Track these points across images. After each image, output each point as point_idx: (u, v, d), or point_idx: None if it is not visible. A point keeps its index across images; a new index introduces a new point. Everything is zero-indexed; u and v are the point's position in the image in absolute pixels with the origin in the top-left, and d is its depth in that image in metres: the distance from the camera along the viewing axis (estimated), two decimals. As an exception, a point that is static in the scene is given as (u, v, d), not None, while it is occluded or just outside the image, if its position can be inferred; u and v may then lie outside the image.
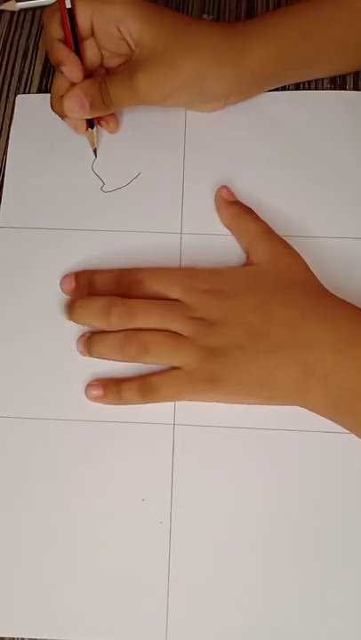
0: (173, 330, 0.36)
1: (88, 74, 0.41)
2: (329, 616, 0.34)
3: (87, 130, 0.42)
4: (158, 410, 0.37)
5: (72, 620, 0.34)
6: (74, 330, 0.39)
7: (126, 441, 0.37)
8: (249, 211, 0.41)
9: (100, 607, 0.34)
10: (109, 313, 0.37)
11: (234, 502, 0.36)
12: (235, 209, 0.41)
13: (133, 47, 0.39)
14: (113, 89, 0.39)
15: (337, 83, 0.45)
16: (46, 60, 0.47)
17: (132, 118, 0.44)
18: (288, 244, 0.39)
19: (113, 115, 0.43)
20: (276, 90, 0.45)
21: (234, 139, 0.44)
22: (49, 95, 0.42)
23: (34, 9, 0.49)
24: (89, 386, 0.38)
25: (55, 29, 0.39)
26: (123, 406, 0.37)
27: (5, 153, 0.44)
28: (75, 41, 0.39)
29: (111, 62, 0.42)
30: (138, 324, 0.37)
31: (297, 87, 0.45)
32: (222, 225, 0.42)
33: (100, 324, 0.37)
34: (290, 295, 0.37)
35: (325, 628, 0.34)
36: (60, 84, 0.40)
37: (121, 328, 0.37)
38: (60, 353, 0.39)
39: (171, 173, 0.43)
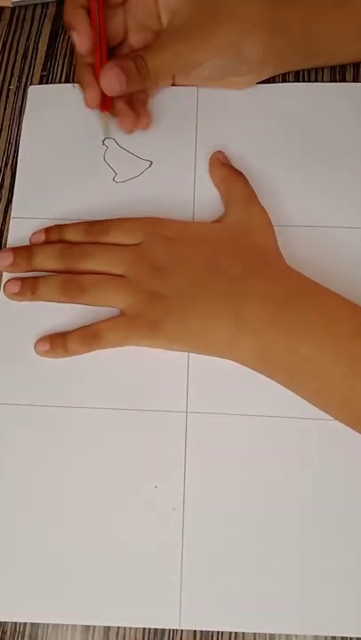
0: (120, 272, 0.38)
1: (110, 50, 0.41)
2: (336, 602, 0.34)
3: (101, 110, 0.42)
4: (171, 398, 0.38)
5: (84, 604, 0.35)
6: (77, 315, 0.39)
7: (139, 428, 0.37)
8: (239, 174, 0.41)
9: (113, 592, 0.35)
10: (62, 255, 0.38)
11: (246, 489, 0.36)
12: (226, 170, 0.42)
13: (165, 19, 0.40)
14: (151, 58, 0.39)
15: (337, 81, 0.45)
16: (46, 60, 0.47)
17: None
18: (264, 214, 0.39)
19: (146, 111, 0.43)
20: (290, 82, 0.45)
21: (246, 128, 0.44)
22: (61, 85, 0.41)
23: (32, 5, 0.49)
24: (37, 342, 0.39)
25: None
26: (136, 393, 0.38)
27: (16, 145, 0.44)
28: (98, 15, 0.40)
29: (133, 38, 0.43)
30: (85, 265, 0.38)
31: (296, 79, 0.45)
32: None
33: (51, 265, 0.39)
34: (240, 253, 0.38)
35: (330, 612, 0.34)
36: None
37: (68, 269, 0.38)
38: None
39: (182, 163, 0.43)
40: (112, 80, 0.39)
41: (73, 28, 0.39)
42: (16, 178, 0.43)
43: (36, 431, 0.38)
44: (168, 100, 0.44)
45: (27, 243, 0.41)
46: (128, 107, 0.42)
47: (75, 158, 0.44)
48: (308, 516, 0.36)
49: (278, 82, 0.45)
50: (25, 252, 0.40)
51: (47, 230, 0.41)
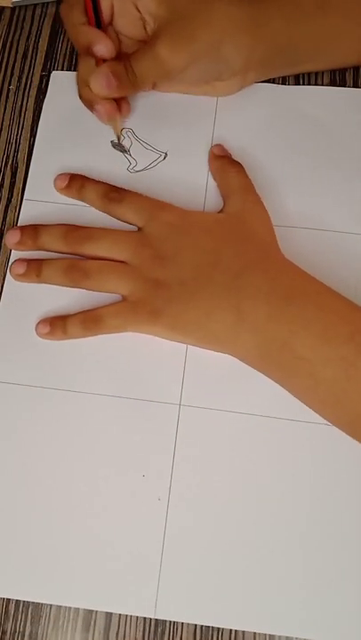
0: (123, 259, 0.38)
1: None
2: (325, 596, 0.34)
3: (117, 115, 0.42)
4: (166, 390, 0.38)
5: (67, 585, 0.35)
6: (82, 299, 0.39)
7: (133, 417, 0.38)
8: (236, 165, 0.42)
9: (94, 575, 0.35)
10: (67, 237, 0.39)
11: (232, 485, 0.36)
12: (222, 162, 0.42)
13: (151, 25, 0.40)
14: (136, 63, 0.39)
15: (337, 83, 0.45)
16: (46, 60, 0.47)
17: (164, 100, 0.45)
18: (260, 204, 0.40)
19: (125, 99, 0.43)
20: (301, 84, 0.45)
21: (265, 128, 0.44)
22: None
23: (32, 5, 0.49)
24: (38, 324, 0.39)
25: (77, 16, 0.40)
26: (132, 382, 0.38)
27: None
28: (101, 23, 0.40)
29: (129, 50, 0.42)
30: (89, 249, 0.39)
31: (296, 82, 0.45)
32: None
33: (56, 246, 0.39)
34: (241, 246, 0.38)
35: (322, 606, 0.34)
36: (86, 70, 0.40)
37: (73, 251, 0.39)
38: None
39: (197, 157, 0.43)
40: (102, 83, 0.39)
41: (94, 42, 0.39)
42: (31, 160, 0.44)
43: (31, 412, 0.38)
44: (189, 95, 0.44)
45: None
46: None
47: (91, 145, 0.44)
48: (296, 517, 0.36)
49: (279, 84, 0.45)
50: (31, 231, 0.40)
51: (72, 178, 0.42)
